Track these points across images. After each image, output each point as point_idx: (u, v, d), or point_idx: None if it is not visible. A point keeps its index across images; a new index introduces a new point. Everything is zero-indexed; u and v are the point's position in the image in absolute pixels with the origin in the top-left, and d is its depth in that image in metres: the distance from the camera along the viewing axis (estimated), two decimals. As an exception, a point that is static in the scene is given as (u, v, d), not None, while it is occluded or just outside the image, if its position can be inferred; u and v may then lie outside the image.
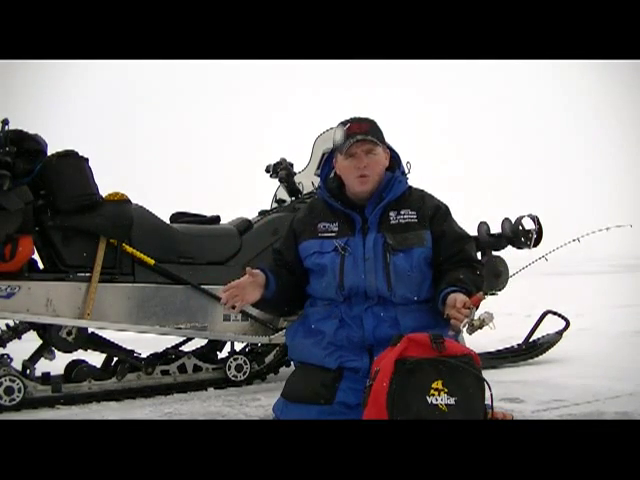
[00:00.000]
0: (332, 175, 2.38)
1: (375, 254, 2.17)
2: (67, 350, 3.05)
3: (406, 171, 2.40)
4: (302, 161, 4.01)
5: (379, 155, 2.23)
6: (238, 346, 3.55)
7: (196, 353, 3.42)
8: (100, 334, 3.23)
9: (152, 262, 3.18)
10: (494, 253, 3.97)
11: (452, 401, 1.84)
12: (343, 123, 2.26)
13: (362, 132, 2.20)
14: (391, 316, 2.15)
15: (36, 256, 3.04)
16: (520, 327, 4.45)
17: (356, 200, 2.27)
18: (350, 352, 2.15)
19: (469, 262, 2.21)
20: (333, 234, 2.23)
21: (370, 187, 2.23)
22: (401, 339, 1.94)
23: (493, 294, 3.93)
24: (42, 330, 3.04)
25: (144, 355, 3.32)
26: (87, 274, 3.02)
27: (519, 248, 3.98)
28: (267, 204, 4.09)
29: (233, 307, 2.14)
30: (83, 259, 3.03)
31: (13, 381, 2.84)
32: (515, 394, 2.94)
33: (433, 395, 1.83)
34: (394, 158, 2.33)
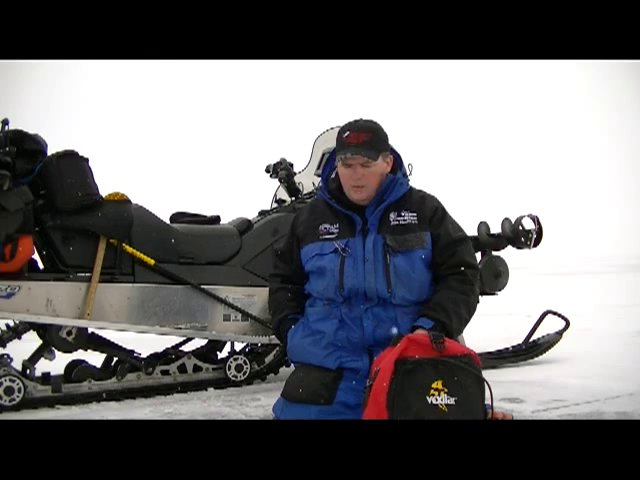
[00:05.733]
0: (333, 175, 2.37)
1: (375, 255, 2.16)
2: (67, 350, 3.05)
3: (408, 173, 2.39)
4: (302, 161, 4.02)
5: (375, 167, 2.20)
6: (238, 346, 3.55)
7: (196, 353, 3.42)
8: (100, 334, 3.23)
9: (152, 262, 3.18)
10: (494, 253, 3.97)
11: (452, 401, 1.84)
12: (343, 129, 2.22)
13: (359, 144, 2.15)
14: (391, 317, 2.15)
15: (36, 256, 3.04)
16: (520, 327, 4.45)
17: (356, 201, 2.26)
18: (350, 352, 2.15)
19: (460, 267, 2.20)
20: (334, 236, 2.23)
21: (366, 195, 2.22)
22: (401, 339, 1.94)
23: (493, 294, 3.93)
24: (42, 330, 3.04)
25: (144, 355, 3.32)
26: (87, 274, 3.02)
27: (519, 248, 3.98)
28: (267, 204, 4.10)
29: None
30: (83, 259, 3.03)
31: (13, 381, 2.84)
32: (515, 394, 2.94)
33: (433, 395, 1.84)
34: (396, 160, 2.32)
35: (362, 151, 2.16)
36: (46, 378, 3.07)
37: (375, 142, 2.19)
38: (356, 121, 2.24)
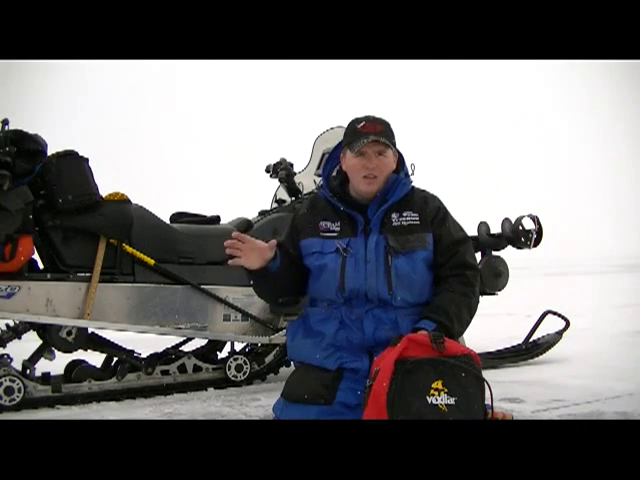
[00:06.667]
0: (334, 173, 2.37)
1: (377, 256, 2.16)
2: (67, 350, 3.05)
3: (410, 173, 2.38)
4: (302, 161, 4.02)
5: (389, 158, 2.22)
6: (238, 346, 3.55)
7: (196, 353, 3.42)
8: (100, 334, 3.23)
9: (152, 262, 3.18)
10: (494, 253, 3.97)
11: (452, 401, 1.84)
12: (357, 120, 2.23)
13: (376, 133, 2.18)
14: (391, 319, 2.15)
15: (36, 256, 3.04)
16: (520, 327, 4.45)
17: (359, 199, 2.26)
18: (350, 353, 2.15)
19: (461, 268, 2.20)
20: (335, 234, 2.22)
21: (376, 188, 2.21)
22: (401, 339, 1.94)
23: (493, 294, 3.93)
24: (42, 330, 3.04)
25: (144, 355, 3.32)
26: (87, 274, 3.02)
27: (519, 248, 3.98)
28: (267, 204, 4.09)
29: (230, 257, 2.14)
30: (83, 259, 3.03)
31: (13, 381, 2.84)
32: (515, 394, 2.95)
33: (433, 395, 1.83)
34: (398, 159, 2.32)
35: (381, 138, 2.17)
36: (46, 378, 3.07)
37: (388, 134, 2.22)
38: (367, 115, 2.26)
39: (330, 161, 2.40)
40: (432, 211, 2.25)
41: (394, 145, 2.24)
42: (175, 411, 2.85)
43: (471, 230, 3.74)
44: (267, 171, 3.84)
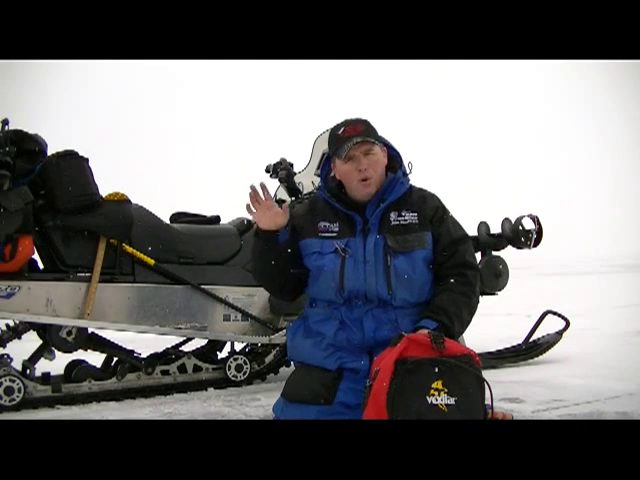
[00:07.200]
0: (333, 174, 2.37)
1: (375, 256, 2.15)
2: (67, 350, 3.05)
3: (407, 171, 2.38)
4: (302, 161, 4.02)
5: (378, 154, 2.22)
6: (238, 346, 3.55)
7: (196, 353, 3.42)
8: (100, 334, 3.23)
9: (152, 262, 3.18)
10: (494, 253, 3.97)
11: (452, 401, 1.84)
12: (336, 127, 2.24)
13: (358, 134, 2.18)
14: (391, 319, 2.15)
15: (36, 256, 3.05)
16: (520, 327, 4.45)
17: (357, 200, 2.26)
18: (350, 353, 2.15)
19: (461, 268, 2.20)
20: (334, 234, 2.22)
21: (374, 189, 2.21)
22: (401, 339, 1.94)
23: (493, 294, 3.93)
24: (42, 330, 3.05)
25: (144, 355, 3.32)
26: (87, 274, 3.02)
27: (519, 248, 3.98)
28: (267, 204, 4.08)
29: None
30: (83, 259, 3.03)
31: (13, 381, 2.84)
32: (515, 394, 2.94)
33: (433, 395, 1.83)
34: (395, 158, 2.32)
35: (365, 137, 2.17)
36: (46, 378, 3.07)
37: (371, 131, 2.22)
38: (345, 120, 2.25)
39: (327, 163, 2.40)
40: (431, 210, 2.24)
41: (379, 140, 2.24)
42: (175, 411, 2.85)
43: (471, 230, 3.74)
44: (267, 171, 3.84)
